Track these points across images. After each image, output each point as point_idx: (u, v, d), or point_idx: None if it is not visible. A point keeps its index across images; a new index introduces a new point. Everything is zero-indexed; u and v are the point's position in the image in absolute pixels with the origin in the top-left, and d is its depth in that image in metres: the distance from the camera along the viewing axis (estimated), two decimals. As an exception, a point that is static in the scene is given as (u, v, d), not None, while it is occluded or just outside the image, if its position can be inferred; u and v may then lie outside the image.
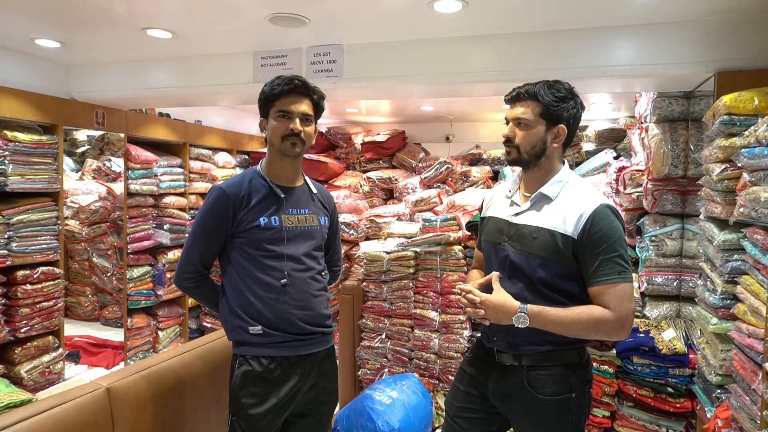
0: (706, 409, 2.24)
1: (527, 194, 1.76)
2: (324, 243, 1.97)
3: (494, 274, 1.68)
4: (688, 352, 2.53)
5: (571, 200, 1.66)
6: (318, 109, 1.87)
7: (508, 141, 1.72)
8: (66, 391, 1.70)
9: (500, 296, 1.62)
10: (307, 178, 1.99)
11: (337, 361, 2.05)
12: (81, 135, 5.32)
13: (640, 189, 3.02)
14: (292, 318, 1.79)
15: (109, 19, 2.74)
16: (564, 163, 1.77)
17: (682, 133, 2.83)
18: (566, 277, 1.64)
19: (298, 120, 1.79)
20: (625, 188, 3.14)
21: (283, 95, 1.79)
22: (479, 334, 1.89)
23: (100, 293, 5.01)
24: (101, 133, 4.93)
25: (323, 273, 1.93)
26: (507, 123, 1.75)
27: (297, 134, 1.79)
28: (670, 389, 2.55)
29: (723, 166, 2.05)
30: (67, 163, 5.18)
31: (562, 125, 1.68)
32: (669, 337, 2.62)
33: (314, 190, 1.98)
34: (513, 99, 1.73)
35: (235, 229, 1.80)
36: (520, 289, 1.66)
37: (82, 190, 5.02)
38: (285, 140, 1.80)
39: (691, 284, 2.77)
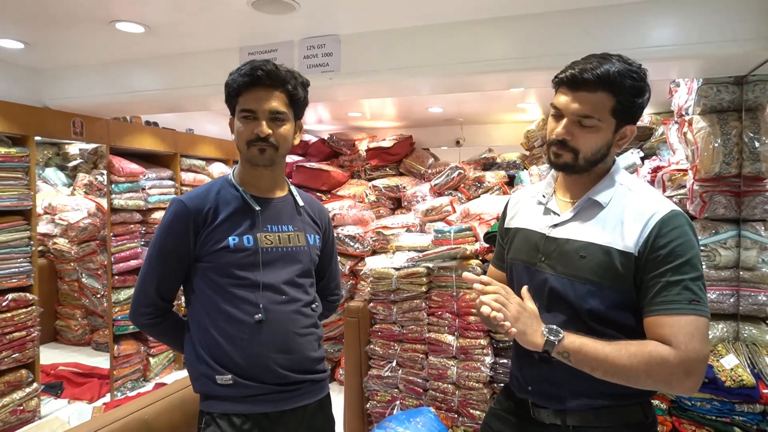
0: (790, 458, 1.84)
1: (569, 200, 1.37)
2: (315, 267, 1.59)
3: (524, 290, 1.29)
4: (757, 384, 2.12)
5: (629, 207, 1.26)
6: (296, 101, 1.48)
7: (562, 143, 1.29)
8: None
9: (534, 307, 1.27)
10: (292, 187, 1.62)
11: (342, 396, 1.65)
12: (73, 149, 5.04)
13: (683, 191, 2.67)
14: (269, 364, 1.41)
15: (72, 11, 2.42)
16: (615, 162, 1.37)
17: (735, 125, 2.47)
18: (624, 308, 1.25)
19: (264, 122, 1.42)
20: (664, 191, 2.79)
21: (245, 89, 1.41)
22: (509, 377, 1.49)
23: (91, 316, 4.70)
24: (94, 145, 4.64)
25: (313, 306, 1.54)
26: (556, 115, 1.31)
27: (264, 138, 1.42)
28: (737, 429, 2.15)
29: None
30: (60, 177, 4.95)
31: (632, 126, 1.29)
32: (731, 365, 2.22)
33: (301, 202, 1.60)
34: (575, 83, 1.25)
35: (198, 251, 1.43)
36: (561, 322, 1.26)
37: (72, 206, 4.74)
38: (251, 146, 1.43)
39: (750, 300, 2.40)
